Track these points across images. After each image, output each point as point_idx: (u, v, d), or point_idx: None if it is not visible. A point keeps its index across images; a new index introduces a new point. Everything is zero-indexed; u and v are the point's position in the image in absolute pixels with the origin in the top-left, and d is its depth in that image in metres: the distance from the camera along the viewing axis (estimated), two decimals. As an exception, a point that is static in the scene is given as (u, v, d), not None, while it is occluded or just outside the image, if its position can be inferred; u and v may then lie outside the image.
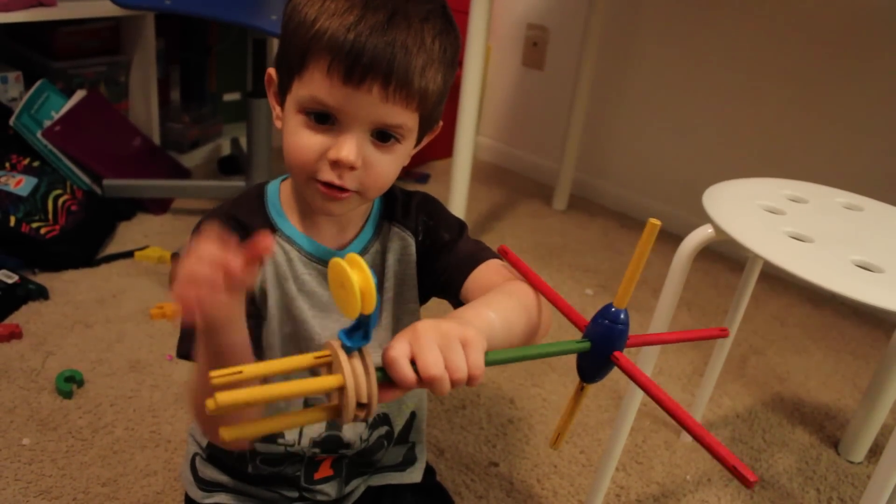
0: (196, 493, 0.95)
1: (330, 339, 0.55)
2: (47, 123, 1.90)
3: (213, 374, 0.50)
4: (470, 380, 0.57)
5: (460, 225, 0.90)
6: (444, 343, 0.56)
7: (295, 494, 0.93)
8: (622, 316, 0.67)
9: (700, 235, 1.03)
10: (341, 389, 0.53)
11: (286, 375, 0.54)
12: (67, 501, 1.14)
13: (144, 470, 1.21)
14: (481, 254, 0.84)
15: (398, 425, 0.95)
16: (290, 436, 0.88)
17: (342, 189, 0.75)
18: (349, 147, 0.73)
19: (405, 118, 0.75)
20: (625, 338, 0.68)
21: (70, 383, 1.35)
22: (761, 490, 1.35)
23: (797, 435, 1.52)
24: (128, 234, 1.93)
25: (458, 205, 1.96)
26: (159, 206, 2.07)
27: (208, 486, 0.95)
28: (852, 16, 1.97)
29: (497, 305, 0.71)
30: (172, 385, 1.41)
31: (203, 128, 2.44)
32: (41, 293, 1.62)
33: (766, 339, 1.85)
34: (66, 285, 1.68)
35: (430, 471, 1.11)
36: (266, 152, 1.97)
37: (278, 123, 0.80)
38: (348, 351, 0.54)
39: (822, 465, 1.44)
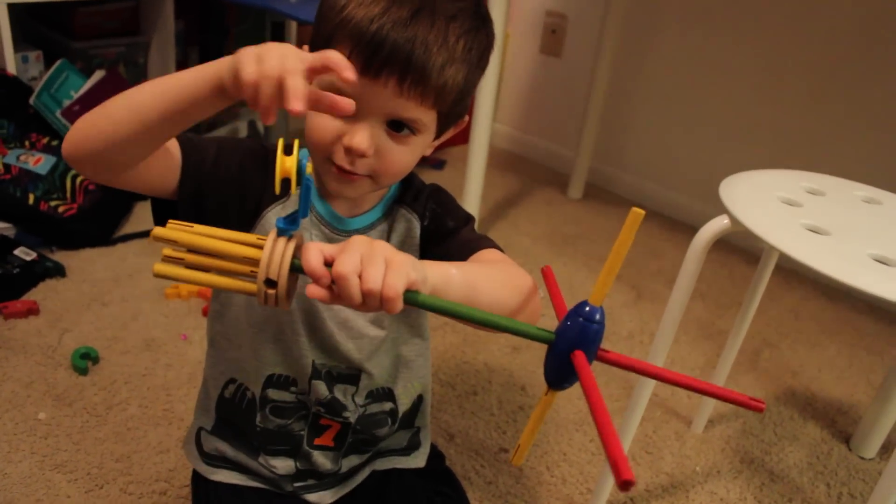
0: (201, 467, 0.96)
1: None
2: (67, 103, 1.91)
3: (172, 222, 0.60)
4: (383, 301, 0.57)
5: (467, 217, 0.91)
6: (367, 254, 0.58)
7: (291, 466, 0.94)
8: (597, 316, 0.58)
9: (716, 226, 1.02)
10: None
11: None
12: (82, 475, 1.16)
13: (157, 447, 1.23)
14: (482, 242, 0.85)
15: (403, 405, 0.96)
16: (302, 385, 0.90)
17: (353, 173, 0.76)
18: (361, 136, 0.74)
19: (420, 114, 0.76)
20: (598, 339, 0.59)
21: (85, 360, 1.36)
22: (771, 484, 1.35)
23: (809, 429, 1.52)
24: (144, 214, 1.94)
25: (473, 192, 1.96)
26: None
27: (212, 460, 0.96)
28: (874, 7, 1.94)
29: (467, 268, 0.71)
30: (186, 364, 1.42)
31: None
32: (58, 271, 1.63)
33: (780, 333, 1.84)
34: (83, 263, 1.70)
35: (439, 456, 1.12)
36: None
37: None
38: (280, 233, 0.59)
39: (833, 460, 1.44)
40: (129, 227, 1.87)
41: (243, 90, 0.60)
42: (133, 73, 2.23)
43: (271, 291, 0.58)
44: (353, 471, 0.99)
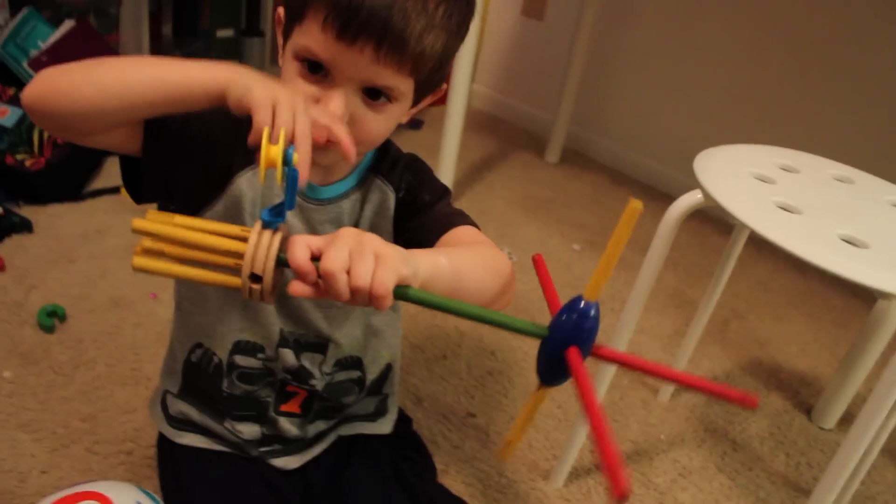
0: (168, 430, 0.96)
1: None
2: (34, 53, 1.86)
3: (151, 213, 0.59)
4: (373, 298, 0.56)
5: (443, 190, 0.90)
6: (356, 249, 0.56)
7: (257, 432, 0.94)
8: (592, 311, 0.56)
9: (689, 200, 1.02)
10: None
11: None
12: (47, 435, 1.15)
13: (124, 406, 1.22)
14: (457, 218, 0.84)
15: (371, 373, 0.96)
16: (269, 352, 0.89)
17: (327, 140, 0.75)
18: (336, 102, 0.73)
19: (397, 81, 0.74)
20: (593, 336, 0.57)
21: (52, 318, 1.35)
22: (732, 452, 1.37)
23: (772, 400, 1.54)
24: (115, 170, 1.89)
25: (449, 154, 1.95)
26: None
27: (178, 423, 0.96)
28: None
29: (453, 255, 0.70)
30: (155, 323, 1.41)
31: (195, 63, 2.40)
32: (25, 226, 1.61)
33: (748, 304, 1.86)
34: (51, 219, 1.67)
35: (406, 420, 1.13)
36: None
37: (280, 62, 0.80)
38: (265, 226, 0.57)
39: (794, 430, 1.46)
40: (98, 183, 1.84)
41: (252, 134, 0.64)
42: (104, 23, 2.17)
43: (256, 286, 0.56)
44: (319, 436, 0.99)
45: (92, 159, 1.88)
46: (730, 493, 1.29)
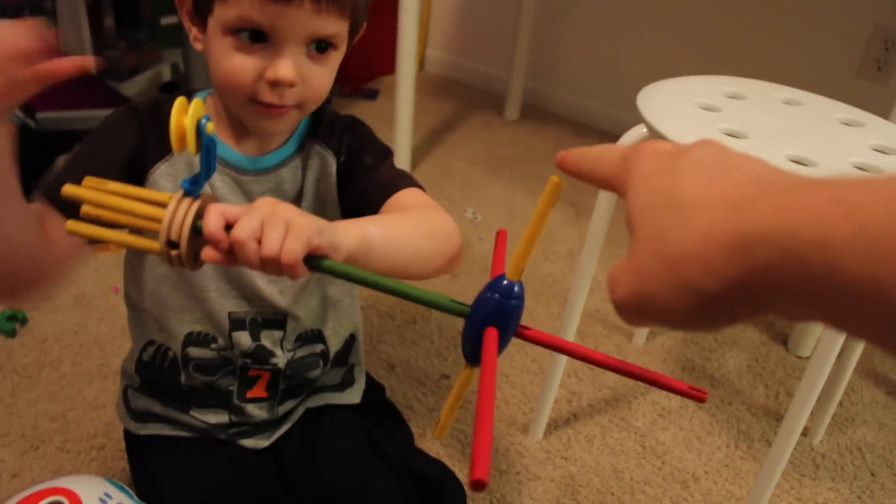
0: (131, 425, 0.95)
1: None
2: (-29, 56, 1.81)
3: (87, 179, 0.57)
4: (282, 267, 0.55)
5: (385, 151, 0.88)
6: (269, 218, 0.56)
7: (225, 419, 0.92)
8: (516, 289, 0.53)
9: (633, 135, 1.02)
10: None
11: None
12: (16, 438, 1.13)
13: (93, 403, 1.20)
14: (401, 181, 0.82)
15: (334, 345, 0.95)
16: (222, 341, 0.88)
17: (282, 106, 0.74)
18: (286, 66, 0.71)
19: (339, 27, 0.73)
20: (516, 316, 0.54)
21: (12, 322, 1.33)
22: (711, 389, 1.38)
23: (748, 334, 1.54)
24: (68, 168, 1.88)
25: (404, 118, 1.93)
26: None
27: (142, 417, 0.94)
28: None
29: (385, 223, 0.69)
30: (119, 317, 1.39)
31: (141, 54, 2.35)
32: (-22, 232, 1.57)
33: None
34: (5, 223, 1.64)
35: (378, 388, 1.12)
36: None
37: (198, 46, 0.78)
38: (186, 194, 0.57)
39: (772, 361, 1.47)
40: (51, 182, 1.81)
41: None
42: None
43: (174, 252, 0.57)
44: (288, 413, 0.98)
45: (42, 160, 1.84)
46: (710, 429, 1.29)
